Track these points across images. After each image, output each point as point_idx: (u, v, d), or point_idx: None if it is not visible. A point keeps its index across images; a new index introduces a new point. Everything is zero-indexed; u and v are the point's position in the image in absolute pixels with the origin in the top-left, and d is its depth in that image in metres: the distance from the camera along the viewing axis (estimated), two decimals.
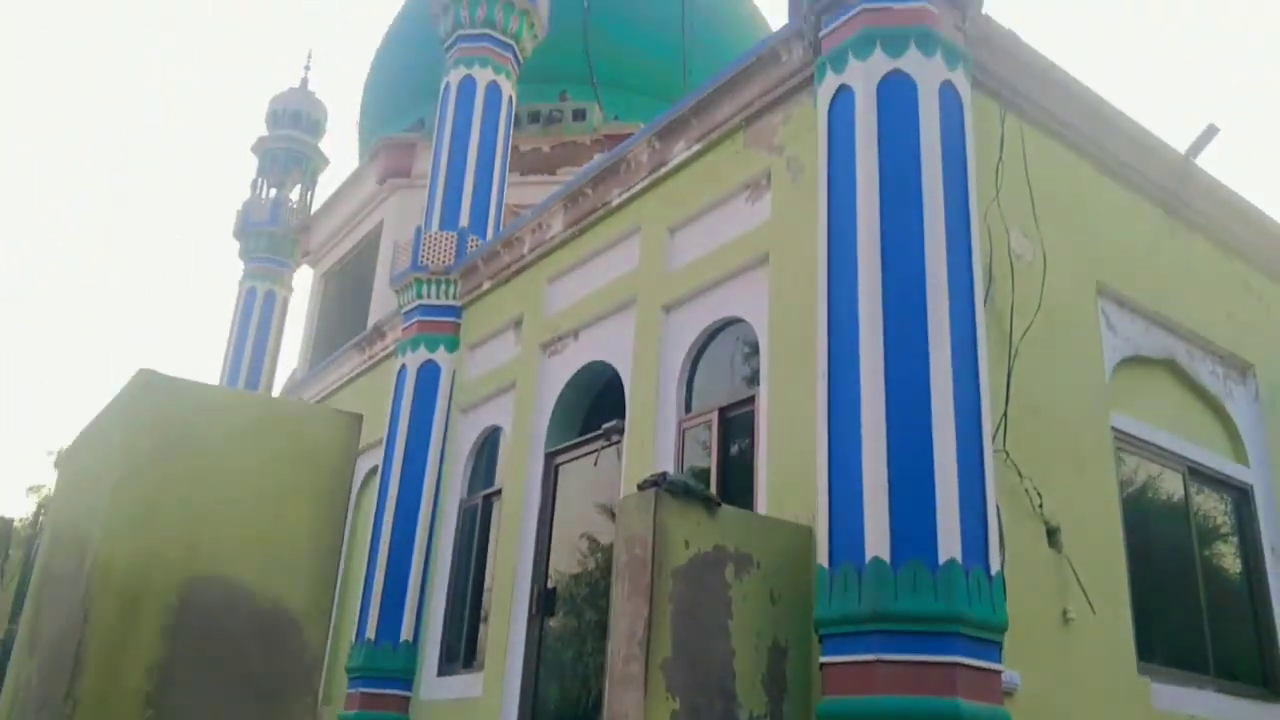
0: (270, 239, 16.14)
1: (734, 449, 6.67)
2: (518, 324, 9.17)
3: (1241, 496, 7.65)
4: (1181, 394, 7.59)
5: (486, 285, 9.69)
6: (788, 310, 6.28)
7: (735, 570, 5.14)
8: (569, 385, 8.35)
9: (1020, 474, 5.70)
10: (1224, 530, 7.60)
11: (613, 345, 7.93)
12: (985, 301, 5.82)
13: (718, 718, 4.84)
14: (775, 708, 5.05)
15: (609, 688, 4.89)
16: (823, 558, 5.00)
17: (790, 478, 5.80)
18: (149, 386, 3.64)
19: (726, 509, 5.28)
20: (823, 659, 4.85)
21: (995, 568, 4.86)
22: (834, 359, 5.43)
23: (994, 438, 5.55)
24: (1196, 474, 7.39)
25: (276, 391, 15.52)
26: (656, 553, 4.88)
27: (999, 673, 4.72)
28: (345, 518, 4.04)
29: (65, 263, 52.46)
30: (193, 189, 55.71)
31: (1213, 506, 7.57)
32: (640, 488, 5.12)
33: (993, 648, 4.70)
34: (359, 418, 4.17)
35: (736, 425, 6.71)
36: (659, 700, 4.66)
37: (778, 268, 6.55)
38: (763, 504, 5.98)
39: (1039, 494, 5.79)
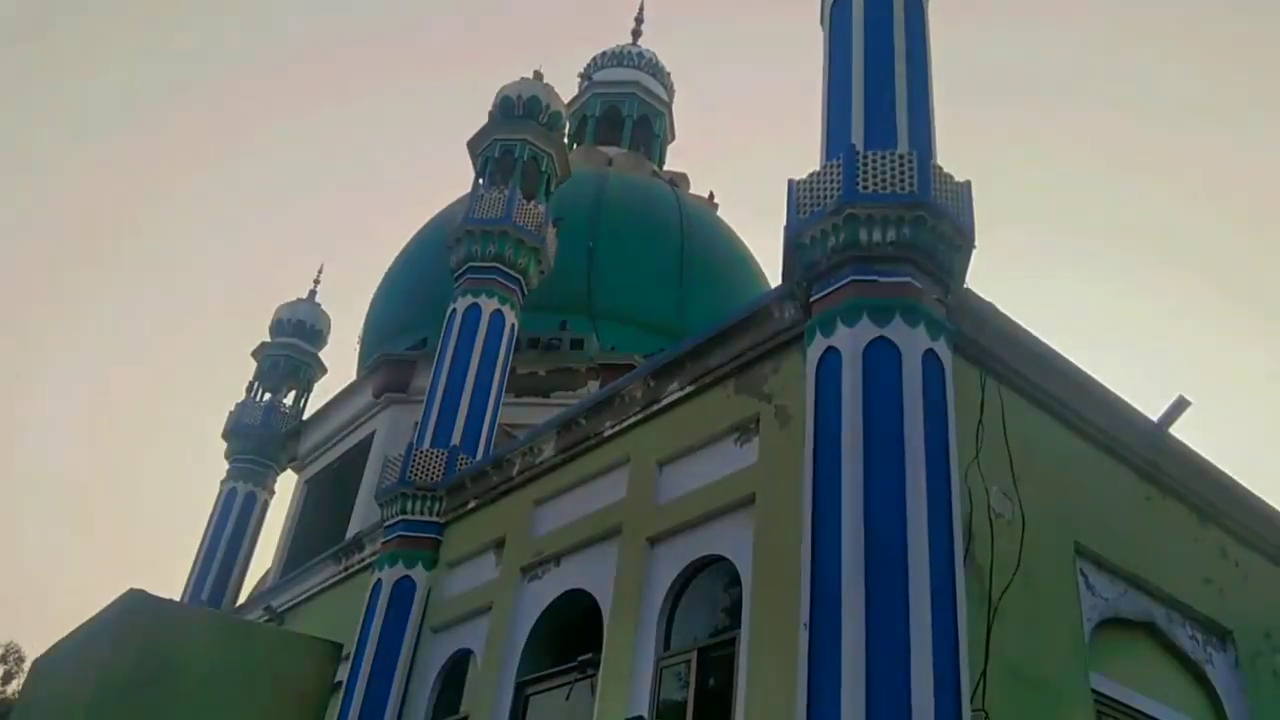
0: (258, 441, 16.25)
1: (712, 690, 6.57)
2: (499, 545, 9.17)
3: None
4: (1161, 658, 7.58)
5: (472, 504, 9.76)
6: (771, 552, 6.37)
7: None
8: (546, 612, 8.27)
9: None
10: None
11: (594, 574, 7.93)
12: (965, 558, 5.94)
13: None
14: None
15: None
16: None
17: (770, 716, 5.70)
18: (136, 608, 3.68)
19: None
20: None
21: None
22: (816, 609, 5.48)
23: (973, 696, 5.52)
24: None
25: (245, 594, 15.19)
26: None
27: None
28: None
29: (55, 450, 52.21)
30: (193, 388, 56.33)
31: None
32: None
33: None
34: (338, 646, 4.17)
35: (715, 665, 6.64)
36: None
37: (763, 510, 6.69)
38: None
39: None
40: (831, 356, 5.98)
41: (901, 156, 6.40)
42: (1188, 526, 8.25)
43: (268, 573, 15.32)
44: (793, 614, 5.66)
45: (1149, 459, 7.93)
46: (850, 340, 5.93)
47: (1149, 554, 7.69)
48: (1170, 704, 7.35)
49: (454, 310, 11.41)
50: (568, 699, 7.58)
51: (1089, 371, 7.57)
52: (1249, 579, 8.62)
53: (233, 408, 16.78)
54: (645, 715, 5.17)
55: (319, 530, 13.84)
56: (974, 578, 6.04)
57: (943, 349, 6.04)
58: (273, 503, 16.37)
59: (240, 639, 3.97)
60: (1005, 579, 6.19)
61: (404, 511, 10.08)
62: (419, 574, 9.75)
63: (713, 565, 7.10)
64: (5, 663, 27.43)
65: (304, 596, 12.33)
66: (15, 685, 26.04)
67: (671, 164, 21.44)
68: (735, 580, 6.74)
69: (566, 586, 8.20)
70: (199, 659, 3.66)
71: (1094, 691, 6.70)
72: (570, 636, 8.21)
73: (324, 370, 17.66)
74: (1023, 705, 5.95)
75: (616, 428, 8.39)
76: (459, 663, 9.12)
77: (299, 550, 14.13)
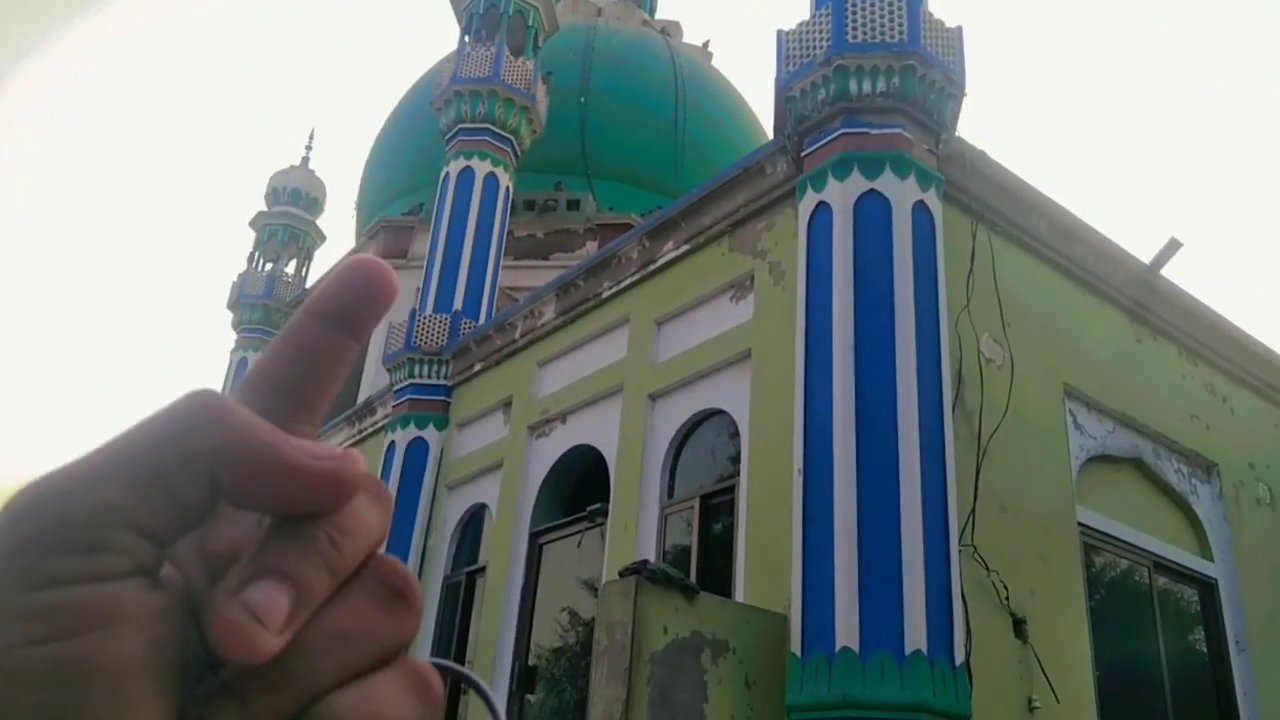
0: (264, 311, 16.44)
1: (714, 535, 6.92)
2: (507, 405, 9.45)
3: (1206, 590, 7.91)
4: (1147, 491, 7.90)
5: (478, 367, 9.99)
6: (767, 405, 6.59)
7: (711, 655, 5.34)
8: (555, 467, 8.60)
9: (988, 568, 5.96)
10: (1189, 622, 7.84)
11: (599, 430, 8.21)
12: (955, 403, 6.15)
13: None
14: None
15: None
16: (796, 646, 5.22)
17: (768, 565, 6.04)
18: None
19: (704, 596, 5.51)
20: None
21: (960, 659, 5.09)
22: (810, 456, 5.72)
23: (962, 533, 5.82)
24: (1162, 568, 7.66)
25: None
26: (636, 638, 5.09)
27: None
28: None
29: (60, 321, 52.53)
30: (189, 261, 56.22)
31: (1178, 599, 7.82)
32: (621, 575, 5.35)
33: None
34: None
35: (717, 512, 6.97)
36: None
37: (759, 364, 6.88)
38: (741, 590, 6.20)
39: (1006, 587, 6.03)
40: (823, 211, 6.04)
41: (891, 3, 6.28)
42: (1176, 365, 8.44)
43: None
44: (789, 461, 5.91)
45: (1139, 301, 8.05)
46: (841, 194, 5.97)
47: (1137, 393, 7.90)
48: (1154, 533, 7.70)
49: (447, 174, 11.36)
50: (579, 546, 7.98)
51: (1080, 216, 7.62)
52: (1235, 413, 8.87)
53: (235, 279, 16.91)
54: (651, 560, 5.48)
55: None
56: (964, 421, 6.26)
57: (933, 200, 6.08)
58: None
59: None
60: (995, 421, 6.42)
61: (412, 376, 10.34)
62: (431, 434, 10.07)
63: (712, 418, 7.34)
64: None
65: None
66: None
67: (663, 12, 20.81)
68: (735, 432, 6.99)
69: (573, 442, 8.49)
70: None
71: (1080, 524, 7.02)
72: (580, 489, 8.56)
73: (323, 238, 17.70)
74: (1010, 539, 6.26)
75: (615, 288, 8.51)
76: (475, 516, 9.54)
77: None
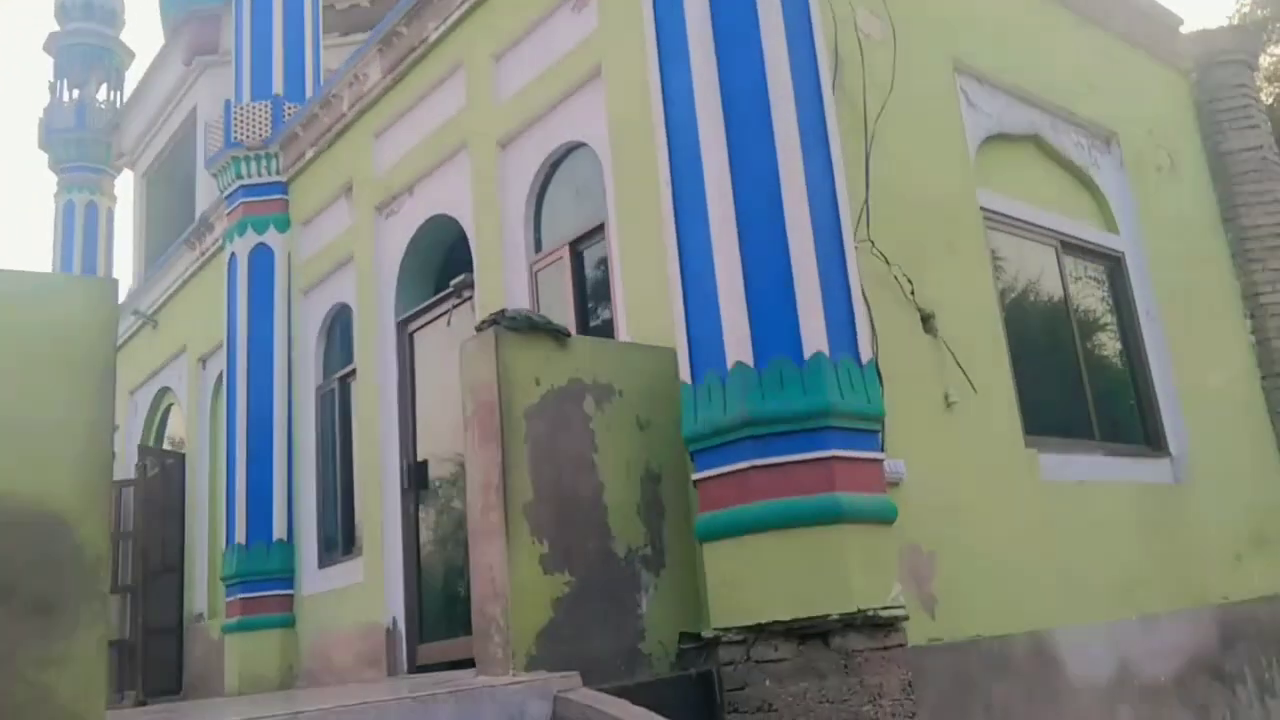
0: (79, 145, 14.67)
1: (590, 283, 6.18)
2: (349, 190, 8.38)
3: (1114, 264, 7.56)
4: (1048, 168, 7.36)
5: (310, 154, 8.81)
6: (626, 124, 5.71)
7: (595, 401, 4.70)
8: (411, 247, 7.68)
9: (888, 262, 5.36)
10: (1099, 299, 7.51)
11: (451, 195, 7.26)
12: (835, 86, 5.34)
13: (593, 555, 4.47)
14: (654, 537, 4.71)
15: (471, 542, 4.47)
16: (685, 374, 4.58)
17: (649, 301, 5.35)
18: None
19: (578, 339, 4.82)
20: (694, 475, 4.49)
21: (866, 356, 4.51)
22: (675, 166, 4.88)
23: (857, 228, 5.17)
24: (1069, 246, 7.23)
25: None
26: (504, 394, 4.40)
27: (879, 462, 4.44)
28: (113, 396, 3.41)
29: None
30: None
31: (1087, 277, 7.45)
32: (478, 329, 4.60)
33: (870, 438, 4.40)
34: (115, 282, 3.51)
35: (589, 258, 6.20)
36: (523, 546, 4.25)
37: (612, 79, 5.94)
38: (625, 333, 5.53)
39: (910, 281, 5.47)
40: None
41: None
42: (1069, 31, 7.74)
43: (131, 285, 14.38)
44: (656, 181, 5.08)
45: None
46: None
47: (1031, 64, 7.21)
48: (1059, 211, 7.23)
49: None
50: (449, 325, 7.19)
51: None
52: (1131, 79, 8.29)
53: (40, 114, 14.95)
54: (509, 308, 4.72)
55: (170, 225, 12.76)
56: (846, 106, 5.48)
57: None
58: (119, 211, 15.09)
59: None
60: (880, 101, 5.66)
61: (240, 176, 9.12)
62: (273, 238, 9.00)
63: (570, 156, 6.45)
64: None
65: (169, 294, 11.57)
66: None
67: None
68: (597, 167, 6.12)
69: (426, 215, 7.54)
70: None
71: (983, 209, 6.46)
72: (446, 268, 7.71)
73: (131, 55, 15.65)
74: (910, 231, 5.65)
75: (442, 28, 7.33)
76: (339, 317, 8.65)
77: (155, 251, 13.12)
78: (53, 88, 15.08)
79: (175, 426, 11.81)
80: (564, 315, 6.02)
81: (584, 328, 6.02)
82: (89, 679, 3.12)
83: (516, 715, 3.82)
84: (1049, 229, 7.08)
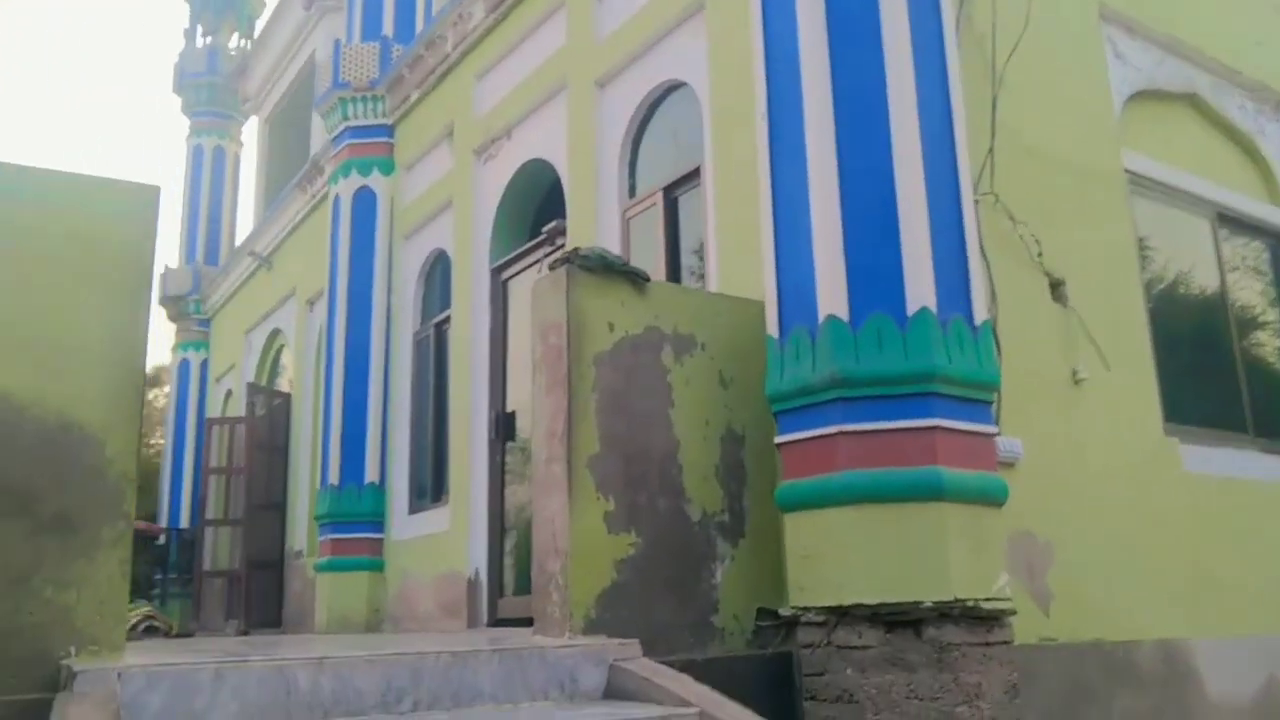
0: (211, 90, 14.99)
1: (683, 231, 5.80)
2: (450, 134, 8.19)
3: (1278, 243, 6.75)
4: (1205, 131, 6.60)
5: (414, 96, 8.66)
6: (727, 61, 5.29)
7: (674, 353, 4.33)
8: (508, 192, 7.44)
9: (1013, 219, 4.82)
10: (1260, 279, 6.72)
11: (548, 139, 6.98)
12: (959, 22, 4.80)
13: (664, 517, 4.13)
14: (734, 502, 4.33)
15: (534, 494, 4.19)
16: (772, 327, 4.17)
17: (742, 251, 4.94)
18: None
19: (658, 285, 4.44)
20: (777, 439, 4.09)
21: (981, 317, 4.01)
22: (774, 101, 4.44)
23: (979, 180, 4.65)
24: (1226, 219, 6.48)
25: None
26: (573, 339, 4.07)
27: (991, 437, 3.94)
28: (148, 308, 3.24)
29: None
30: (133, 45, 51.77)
31: (1245, 254, 6.67)
32: (550, 268, 4.28)
33: (981, 409, 3.90)
34: (156, 188, 3.32)
35: (685, 204, 5.82)
36: (587, 502, 3.94)
37: (713, 13, 5.53)
38: (715, 284, 5.15)
39: (1038, 242, 4.91)
40: None
41: None
42: None
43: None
44: (754, 117, 4.65)
45: None
46: None
47: (1190, 15, 6.45)
48: (1216, 179, 6.48)
49: None
50: (540, 273, 6.90)
51: None
52: None
53: (176, 60, 15.34)
54: (585, 248, 4.38)
55: (288, 170, 12.91)
56: (972, 45, 4.94)
57: None
58: (245, 156, 15.41)
59: (14, 181, 3.08)
60: (1011, 43, 5.08)
61: (347, 117, 9.05)
62: (377, 181, 8.91)
63: (669, 97, 6.06)
64: None
65: (283, 235, 11.71)
66: None
67: None
68: (695, 108, 5.72)
69: (523, 159, 7.28)
70: None
71: (1127, 171, 5.80)
72: (540, 214, 7.44)
73: (262, 3, 15.89)
74: (1041, 188, 5.09)
75: None
76: (437, 263, 8.51)
77: (275, 195, 13.32)
78: (187, 34, 15.49)
79: (285, 368, 12.00)
80: (654, 264, 5.66)
81: (674, 278, 5.65)
82: (109, 603, 2.97)
83: (567, 681, 3.52)
84: (1204, 198, 6.36)
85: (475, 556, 7.07)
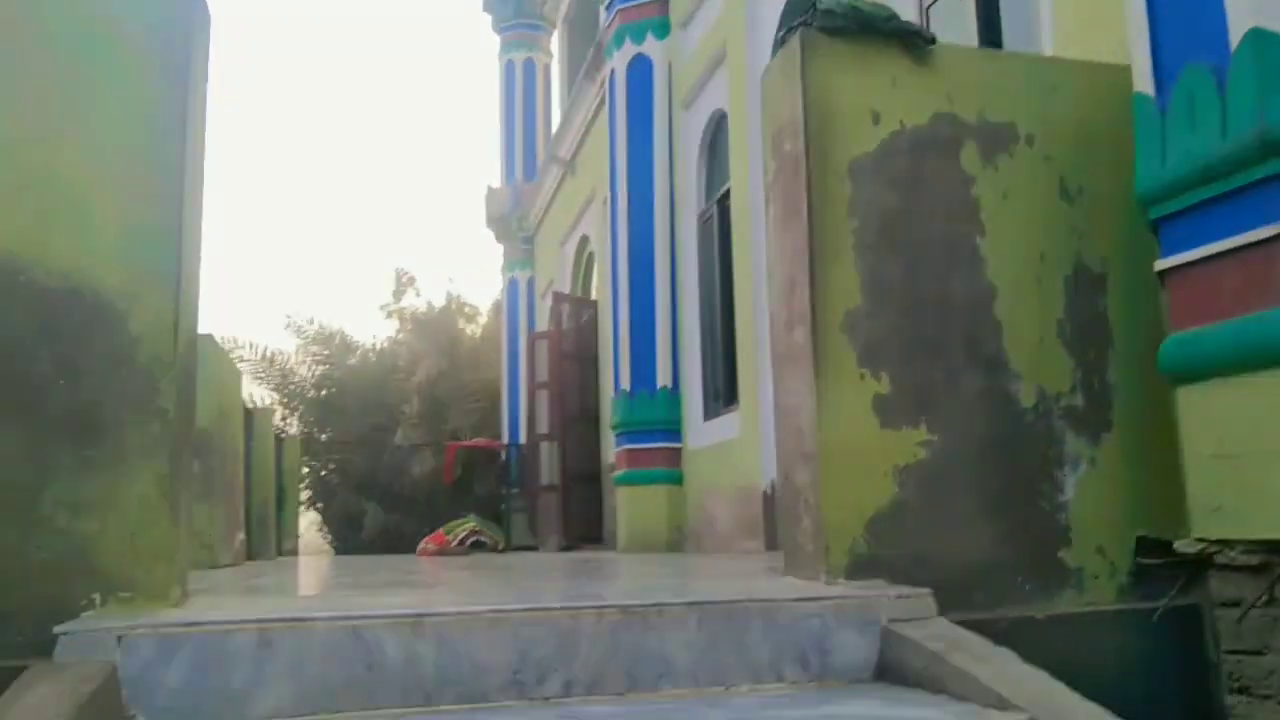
0: (517, 3, 14.66)
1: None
2: None
3: None
4: None
5: None
6: None
7: (983, 153, 2.83)
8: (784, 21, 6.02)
9: None
10: None
11: None
12: None
13: (972, 402, 2.70)
14: (1091, 377, 2.80)
15: (774, 374, 2.94)
16: (1143, 83, 2.54)
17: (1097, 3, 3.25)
18: None
19: (949, 49, 2.93)
20: (1160, 263, 2.48)
21: None
22: None
23: None
24: None
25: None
26: (815, 140, 2.71)
27: None
28: (197, 126, 2.35)
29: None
30: None
31: None
32: (781, 40, 2.92)
33: None
34: None
35: None
36: (845, 381, 2.62)
37: None
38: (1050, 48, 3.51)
39: None
40: None
41: None
42: None
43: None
44: None
45: None
46: None
47: None
48: None
49: None
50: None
51: None
52: None
53: None
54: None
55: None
56: None
57: None
58: (554, 67, 15.02)
59: None
60: None
61: None
62: (651, 47, 7.83)
63: None
64: None
65: (581, 134, 11.06)
66: None
67: None
68: None
69: None
70: None
71: None
72: None
73: None
74: None
75: None
76: (717, 130, 7.31)
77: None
78: None
79: (597, 274, 11.48)
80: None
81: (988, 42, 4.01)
82: (145, 533, 2.16)
83: (812, 653, 2.28)
84: None
85: (770, 466, 5.91)
